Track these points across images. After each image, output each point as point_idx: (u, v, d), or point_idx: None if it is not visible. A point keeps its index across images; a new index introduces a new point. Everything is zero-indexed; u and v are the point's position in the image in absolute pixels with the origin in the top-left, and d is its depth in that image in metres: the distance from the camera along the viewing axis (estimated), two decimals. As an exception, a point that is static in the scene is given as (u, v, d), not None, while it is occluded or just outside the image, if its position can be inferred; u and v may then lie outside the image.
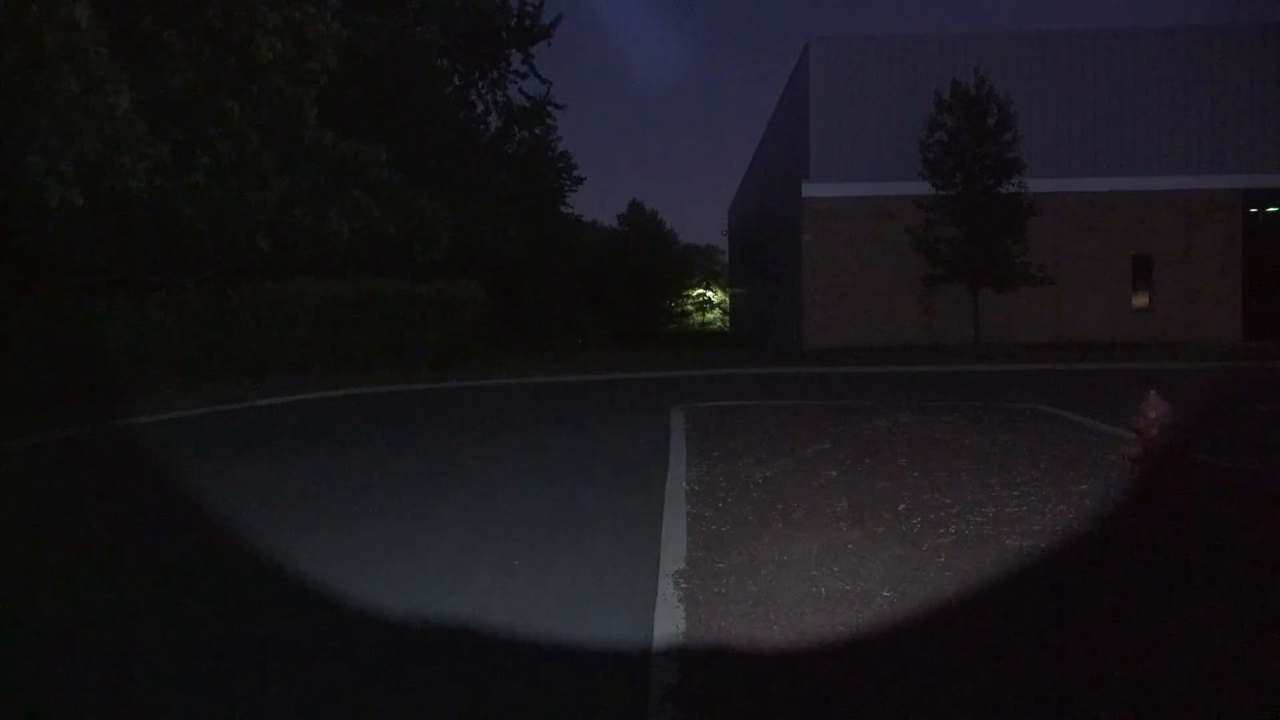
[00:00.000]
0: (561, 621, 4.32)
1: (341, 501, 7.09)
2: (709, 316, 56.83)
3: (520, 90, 30.43)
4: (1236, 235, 21.86)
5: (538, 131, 30.74)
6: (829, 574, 4.64)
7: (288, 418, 12.43)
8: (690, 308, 57.13)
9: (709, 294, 57.25)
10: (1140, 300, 22.16)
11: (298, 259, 17.97)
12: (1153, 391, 5.49)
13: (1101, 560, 4.83)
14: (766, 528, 5.53)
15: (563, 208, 33.68)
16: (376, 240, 18.90)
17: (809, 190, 22.04)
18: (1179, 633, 3.80)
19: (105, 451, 10.15)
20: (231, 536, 6.09)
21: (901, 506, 5.91)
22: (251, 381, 16.09)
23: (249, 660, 4.01)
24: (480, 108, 29.68)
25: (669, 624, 4.04)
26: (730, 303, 50.11)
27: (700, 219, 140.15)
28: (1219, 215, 21.82)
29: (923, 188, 19.99)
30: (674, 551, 5.14)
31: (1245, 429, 9.26)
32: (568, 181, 33.41)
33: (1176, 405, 5.48)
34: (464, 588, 4.87)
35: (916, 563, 4.76)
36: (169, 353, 15.72)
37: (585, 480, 7.62)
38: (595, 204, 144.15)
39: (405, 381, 16.40)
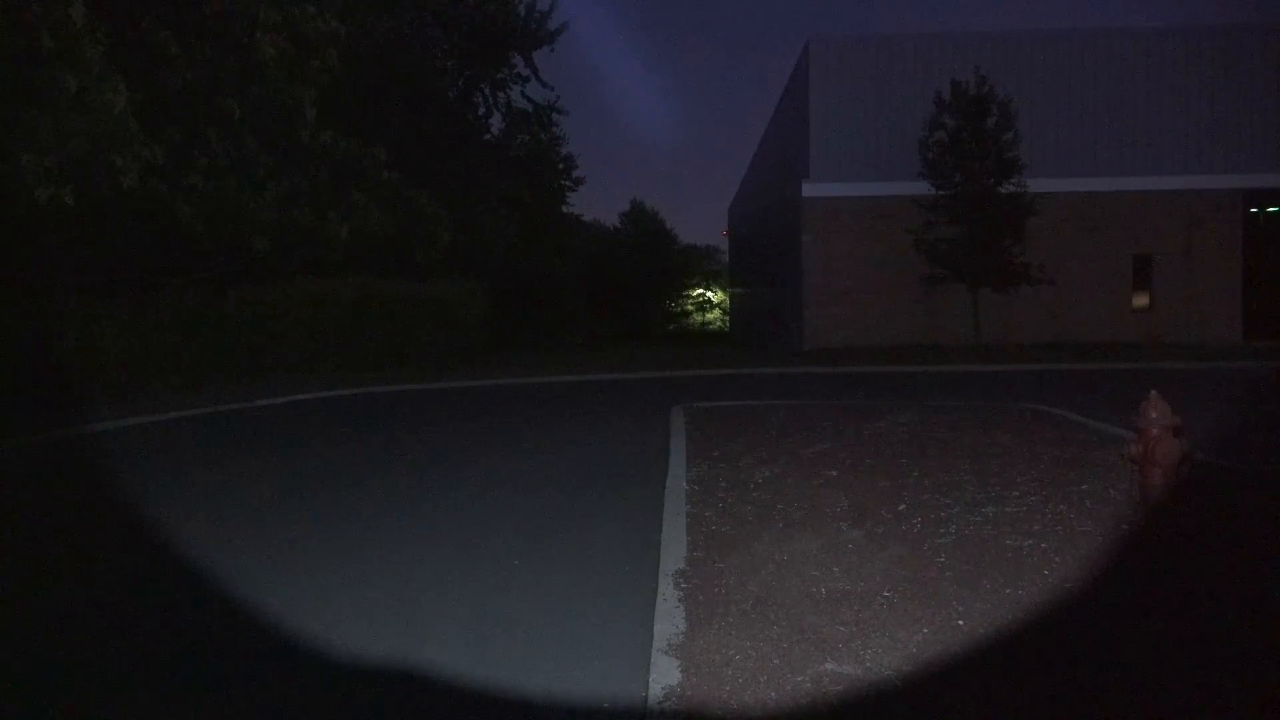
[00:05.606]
0: (560, 620, 4.31)
1: (341, 501, 7.08)
2: (709, 316, 56.87)
3: (522, 93, 30.47)
4: (1236, 235, 21.85)
5: (542, 137, 30.76)
6: (829, 574, 4.63)
7: (288, 418, 12.42)
8: (690, 308, 57.19)
9: (709, 294, 57.28)
10: (1140, 300, 22.16)
11: (297, 259, 17.95)
12: (1153, 391, 5.49)
13: (1101, 560, 4.82)
14: (767, 528, 5.53)
15: (563, 208, 33.73)
16: (376, 240, 18.89)
17: (809, 190, 22.04)
18: (1180, 633, 3.80)
19: (96, 454, 10.15)
20: (232, 535, 6.09)
21: (901, 506, 5.90)
22: (250, 382, 16.07)
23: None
24: (483, 109, 29.72)
25: (669, 624, 4.04)
26: (730, 303, 50.12)
27: (700, 219, 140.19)
28: (1219, 215, 21.81)
29: (923, 187, 19.99)
30: (674, 551, 5.13)
31: (1246, 429, 9.25)
32: (568, 183, 33.46)
33: (1176, 405, 5.47)
34: (464, 586, 4.86)
35: (917, 563, 4.76)
36: (167, 353, 15.70)
37: (585, 479, 7.61)
38: (596, 204, 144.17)
39: (405, 382, 16.38)
